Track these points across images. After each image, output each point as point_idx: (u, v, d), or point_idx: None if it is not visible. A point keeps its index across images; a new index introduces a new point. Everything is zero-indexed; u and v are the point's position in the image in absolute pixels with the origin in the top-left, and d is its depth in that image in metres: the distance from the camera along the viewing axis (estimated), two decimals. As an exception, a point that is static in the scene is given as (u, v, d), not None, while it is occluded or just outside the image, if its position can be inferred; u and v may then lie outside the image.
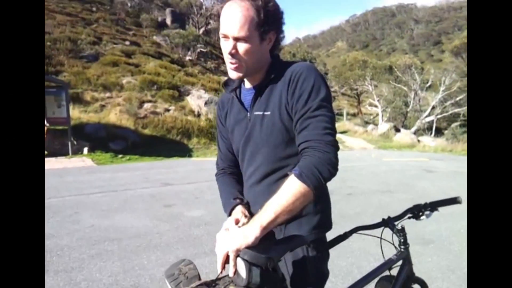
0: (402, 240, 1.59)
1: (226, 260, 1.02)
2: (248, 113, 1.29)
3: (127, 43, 25.72)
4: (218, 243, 1.06)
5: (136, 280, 3.11)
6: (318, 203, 1.26)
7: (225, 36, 1.18)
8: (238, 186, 1.40)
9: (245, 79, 1.31)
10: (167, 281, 1.15)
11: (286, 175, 1.13)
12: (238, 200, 1.30)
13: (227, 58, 1.20)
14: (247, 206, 1.30)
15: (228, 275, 1.04)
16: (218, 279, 1.04)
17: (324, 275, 1.32)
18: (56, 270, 3.27)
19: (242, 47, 1.16)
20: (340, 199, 6.12)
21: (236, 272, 1.00)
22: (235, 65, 1.20)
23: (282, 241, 1.15)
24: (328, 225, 1.33)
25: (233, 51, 1.17)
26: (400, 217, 1.59)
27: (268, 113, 1.23)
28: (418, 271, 1.83)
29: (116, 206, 5.57)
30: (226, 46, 1.18)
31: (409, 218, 1.63)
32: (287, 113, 1.20)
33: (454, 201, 1.64)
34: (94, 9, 30.78)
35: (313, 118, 1.14)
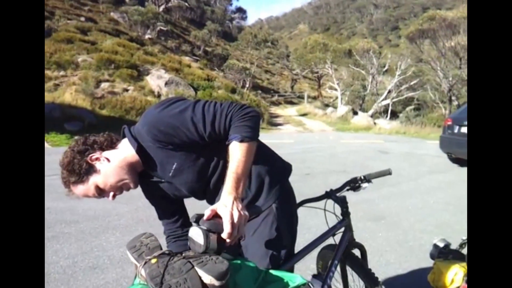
0: (344, 210, 1.72)
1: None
2: (164, 179, 1.43)
3: (82, 19, 24.47)
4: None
5: (95, 261, 3.10)
6: (258, 177, 1.41)
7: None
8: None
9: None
10: (129, 253, 1.16)
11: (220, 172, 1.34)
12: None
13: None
14: None
15: (189, 248, 1.09)
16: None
17: (294, 236, 1.51)
18: (10, 254, 3.19)
19: (106, 193, 1.37)
20: (298, 179, 6.29)
21: (193, 240, 1.06)
22: (126, 189, 1.40)
23: None
24: (278, 194, 1.44)
25: (107, 195, 1.38)
26: (340, 189, 1.73)
27: (175, 164, 1.34)
28: (369, 245, 1.98)
29: (72, 188, 5.43)
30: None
31: (348, 190, 1.76)
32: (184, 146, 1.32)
33: (385, 173, 1.83)
34: (44, -19, 28.90)
35: (213, 119, 1.25)
